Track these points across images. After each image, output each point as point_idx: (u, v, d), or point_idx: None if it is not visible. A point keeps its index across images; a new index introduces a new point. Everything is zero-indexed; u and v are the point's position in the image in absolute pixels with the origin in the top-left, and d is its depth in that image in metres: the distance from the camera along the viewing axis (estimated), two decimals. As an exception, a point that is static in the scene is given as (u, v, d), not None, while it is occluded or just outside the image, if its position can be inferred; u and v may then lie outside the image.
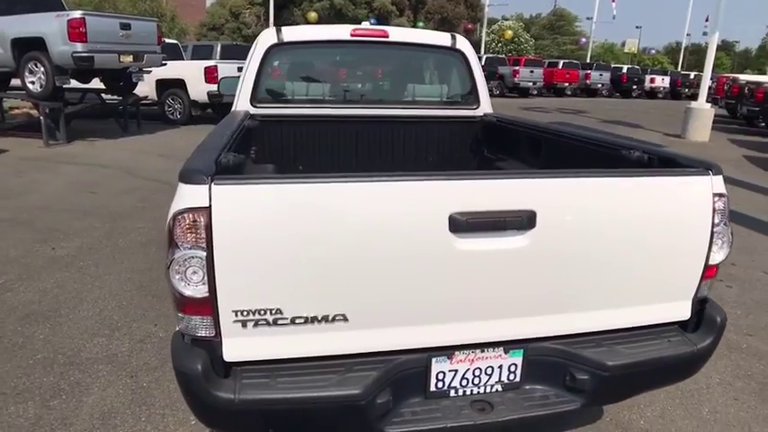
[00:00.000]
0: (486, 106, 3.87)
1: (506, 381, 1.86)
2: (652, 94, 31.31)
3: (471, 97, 3.85)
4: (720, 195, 1.89)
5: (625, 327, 1.94)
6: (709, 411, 2.71)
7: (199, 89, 11.65)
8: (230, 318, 1.55)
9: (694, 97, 32.35)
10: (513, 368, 1.85)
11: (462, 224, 1.60)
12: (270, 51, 3.44)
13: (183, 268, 1.50)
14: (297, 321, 1.59)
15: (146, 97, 11.49)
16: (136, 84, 10.38)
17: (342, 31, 3.59)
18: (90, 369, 2.84)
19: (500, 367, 1.84)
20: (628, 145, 2.43)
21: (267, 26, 24.15)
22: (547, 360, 1.86)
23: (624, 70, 31.91)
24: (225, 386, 1.55)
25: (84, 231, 4.92)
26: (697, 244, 1.91)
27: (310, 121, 3.59)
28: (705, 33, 31.02)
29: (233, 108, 3.53)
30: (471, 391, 1.84)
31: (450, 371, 1.79)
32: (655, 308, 1.98)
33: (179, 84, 11.90)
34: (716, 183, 1.89)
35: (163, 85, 11.95)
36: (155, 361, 2.94)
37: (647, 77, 31.64)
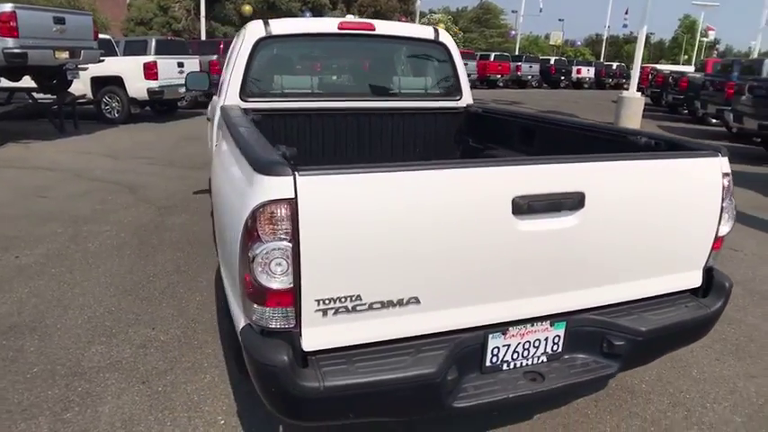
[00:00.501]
0: (467, 97, 3.99)
1: (550, 352, 1.97)
2: (578, 84, 32.85)
3: (454, 89, 3.95)
4: (726, 174, 2.09)
5: (649, 296, 2.11)
6: (698, 372, 2.96)
7: (138, 86, 11.16)
8: (312, 307, 1.57)
9: (618, 87, 34.20)
10: (556, 339, 1.97)
11: (523, 207, 1.70)
12: (258, 44, 3.39)
13: (267, 261, 1.50)
14: (374, 306, 1.62)
15: (83, 96, 10.87)
16: (71, 82, 9.80)
17: (329, 24, 3.59)
18: (96, 378, 2.72)
19: (546, 339, 1.95)
20: (631, 131, 2.61)
21: (198, 21, 23.43)
22: (585, 330, 1.99)
23: (552, 62, 33.26)
24: (309, 375, 1.57)
25: (47, 237, 4.65)
26: (709, 218, 2.10)
27: (300, 114, 3.58)
28: (625, 26, 32.90)
29: (218, 103, 3.46)
30: (521, 363, 1.94)
31: (503, 346, 1.89)
32: (673, 277, 2.16)
33: (116, 81, 11.32)
34: (724, 163, 2.08)
35: (98, 82, 11.32)
36: (163, 365, 2.85)
37: (574, 69, 33.16)
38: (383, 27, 3.68)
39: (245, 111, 3.25)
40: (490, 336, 1.85)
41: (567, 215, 1.79)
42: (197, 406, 2.53)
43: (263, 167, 1.52)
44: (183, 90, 11.94)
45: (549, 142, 3.07)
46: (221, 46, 15.18)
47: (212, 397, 2.60)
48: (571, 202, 1.78)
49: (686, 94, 14.87)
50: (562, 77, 32.41)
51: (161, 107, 12.71)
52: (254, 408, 2.50)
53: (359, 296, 1.60)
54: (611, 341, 1.98)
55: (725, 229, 2.15)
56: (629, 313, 2.04)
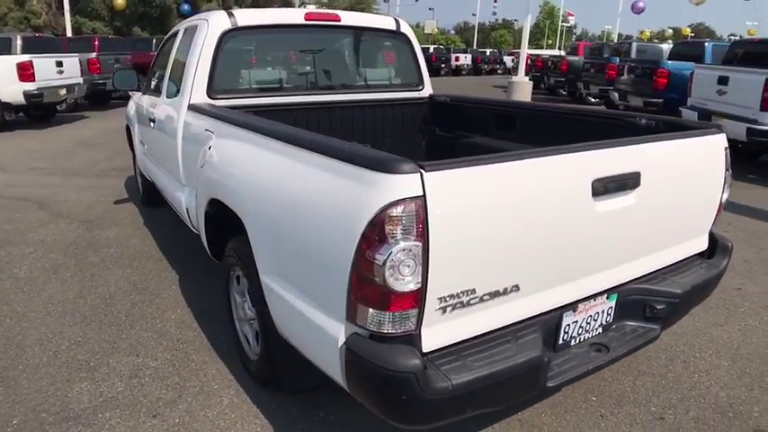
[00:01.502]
0: (428, 87, 4.02)
1: (605, 323, 2.08)
2: (457, 71, 34.28)
3: (417, 79, 3.96)
4: (726, 148, 2.32)
5: (673, 262, 2.29)
6: (677, 327, 3.23)
7: (11, 90, 9.84)
8: (434, 306, 1.51)
9: (492, 72, 36.01)
10: (609, 311, 2.08)
11: (600, 188, 1.76)
12: (224, 37, 3.15)
13: (396, 263, 1.41)
14: (484, 299, 1.60)
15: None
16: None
17: (296, 15, 3.43)
18: (96, 420, 2.40)
19: (602, 312, 2.05)
20: (624, 114, 2.80)
21: (61, 15, 20.99)
22: (631, 299, 2.12)
23: (432, 50, 34.38)
24: (435, 376, 1.50)
25: (-42, 268, 4.00)
26: (715, 188, 2.32)
27: (272, 111, 3.39)
28: (494, 14, 34.72)
29: (182, 103, 3.17)
30: (584, 337, 2.02)
31: (573, 322, 1.95)
32: (690, 243, 2.36)
33: (-19, 84, 9.90)
34: (724, 139, 2.31)
35: (-42, 86, 9.84)
36: (168, 393, 2.59)
37: (453, 56, 34.54)
38: (347, 18, 3.59)
39: (231, 109, 3.03)
40: (564, 314, 1.90)
41: (628, 194, 1.89)
42: (227, 430, 2.34)
43: (385, 166, 1.42)
44: (63, 92, 10.77)
45: (534, 128, 3.19)
46: (96, 43, 13.90)
47: (240, 419, 2.41)
48: (632, 181, 1.88)
49: (567, 76, 16.15)
50: (442, 65, 33.63)
51: (36, 112, 11.34)
52: (292, 425, 2.37)
53: (473, 290, 1.57)
54: (653, 306, 2.12)
55: (725, 196, 2.39)
56: (663, 279, 2.20)
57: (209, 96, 3.16)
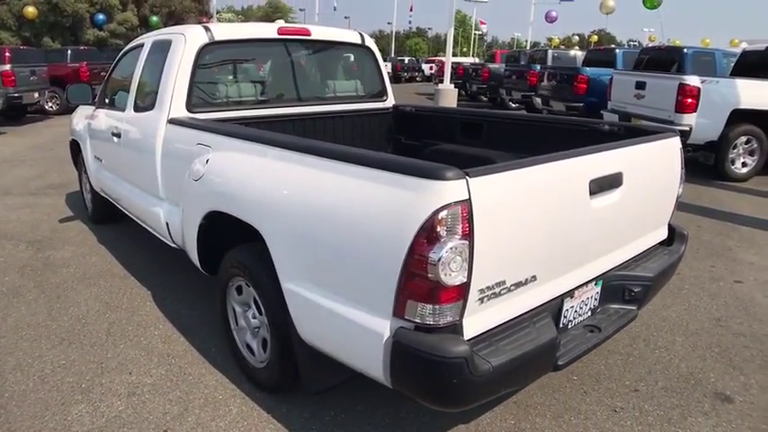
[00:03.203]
0: (391, 98, 4.21)
1: (592, 307, 2.35)
2: (380, 79, 34.70)
3: (382, 90, 4.14)
4: (681, 149, 2.68)
5: (642, 251, 2.60)
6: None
7: None
8: (475, 297, 1.68)
9: (412, 80, 36.74)
10: (596, 296, 2.35)
11: (595, 188, 2.03)
12: (202, 51, 3.18)
13: (447, 261, 1.57)
14: (511, 288, 1.79)
15: None
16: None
17: (269, 29, 3.51)
18: (104, 439, 2.38)
19: (591, 297, 2.31)
20: (588, 121, 3.12)
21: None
22: (612, 285, 2.40)
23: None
24: (478, 360, 1.67)
25: None
26: (674, 183, 2.67)
27: (249, 123, 3.44)
28: (410, 22, 35.50)
29: (158, 117, 3.16)
30: (578, 320, 2.27)
31: (570, 307, 2.20)
32: (654, 233, 2.69)
33: None
34: (679, 141, 2.67)
35: None
36: (173, 408, 2.59)
37: (375, 64, 34.95)
38: (317, 32, 3.71)
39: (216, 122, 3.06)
40: (564, 300, 2.14)
41: (614, 192, 2.17)
42: (248, 436, 2.39)
43: (434, 174, 1.58)
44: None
45: (501, 135, 3.46)
46: (7, 54, 12.99)
47: (254, 426, 2.46)
48: (617, 181, 2.16)
49: (489, 83, 16.94)
50: (366, 73, 33.98)
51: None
52: (306, 426, 2.45)
53: (504, 281, 1.76)
54: (631, 289, 2.42)
55: (681, 190, 2.74)
56: (636, 266, 2.50)
57: (188, 110, 3.16)
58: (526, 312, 1.94)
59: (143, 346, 3.13)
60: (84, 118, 4.87)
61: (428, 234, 1.57)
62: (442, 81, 21.13)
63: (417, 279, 1.62)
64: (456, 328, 1.70)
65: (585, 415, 2.56)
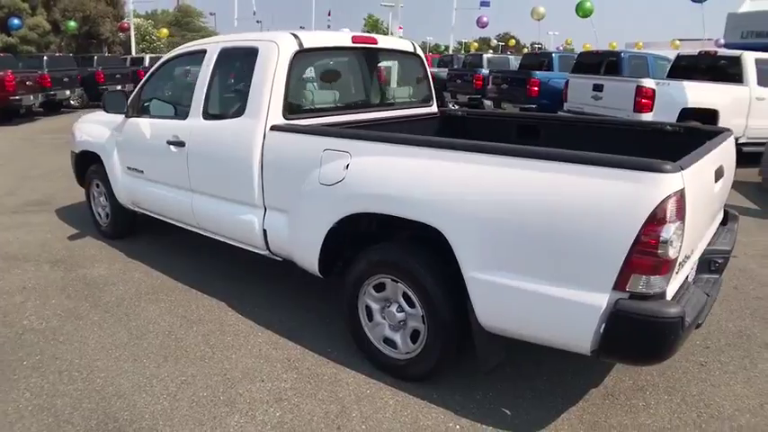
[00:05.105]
0: (435, 103, 4.43)
1: (693, 276, 2.73)
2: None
3: (428, 95, 4.34)
4: (734, 146, 3.16)
5: (715, 230, 3.06)
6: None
7: None
8: (676, 268, 2.07)
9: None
10: (695, 267, 2.74)
11: (717, 175, 2.50)
12: (295, 58, 3.23)
13: (672, 239, 1.92)
14: (685, 260, 2.31)
15: None
16: None
17: (344, 38, 3.61)
18: (252, 408, 2.40)
19: (694, 267, 2.71)
20: (653, 123, 3.53)
21: None
22: (704, 258, 2.82)
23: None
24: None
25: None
26: (733, 171, 3.14)
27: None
28: (329, 26, 35.40)
29: (257, 124, 3.16)
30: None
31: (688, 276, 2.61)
32: (721, 213, 3.16)
33: None
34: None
35: None
36: (332, 407, 2.64)
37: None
38: (382, 41, 3.85)
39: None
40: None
41: (720, 181, 2.64)
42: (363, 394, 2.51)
43: (658, 167, 1.92)
44: None
45: (559, 138, 3.76)
46: None
47: (418, 413, 2.59)
48: (721, 171, 2.65)
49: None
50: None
51: None
52: (465, 406, 2.62)
53: (687, 255, 2.25)
54: (715, 261, 2.83)
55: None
56: (714, 242, 2.93)
57: (284, 117, 3.20)
58: (685, 281, 2.33)
59: (255, 354, 3.12)
60: (103, 127, 4.63)
61: (658, 218, 1.90)
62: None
63: (646, 256, 1.95)
64: (663, 295, 2.05)
65: (683, 370, 2.96)
